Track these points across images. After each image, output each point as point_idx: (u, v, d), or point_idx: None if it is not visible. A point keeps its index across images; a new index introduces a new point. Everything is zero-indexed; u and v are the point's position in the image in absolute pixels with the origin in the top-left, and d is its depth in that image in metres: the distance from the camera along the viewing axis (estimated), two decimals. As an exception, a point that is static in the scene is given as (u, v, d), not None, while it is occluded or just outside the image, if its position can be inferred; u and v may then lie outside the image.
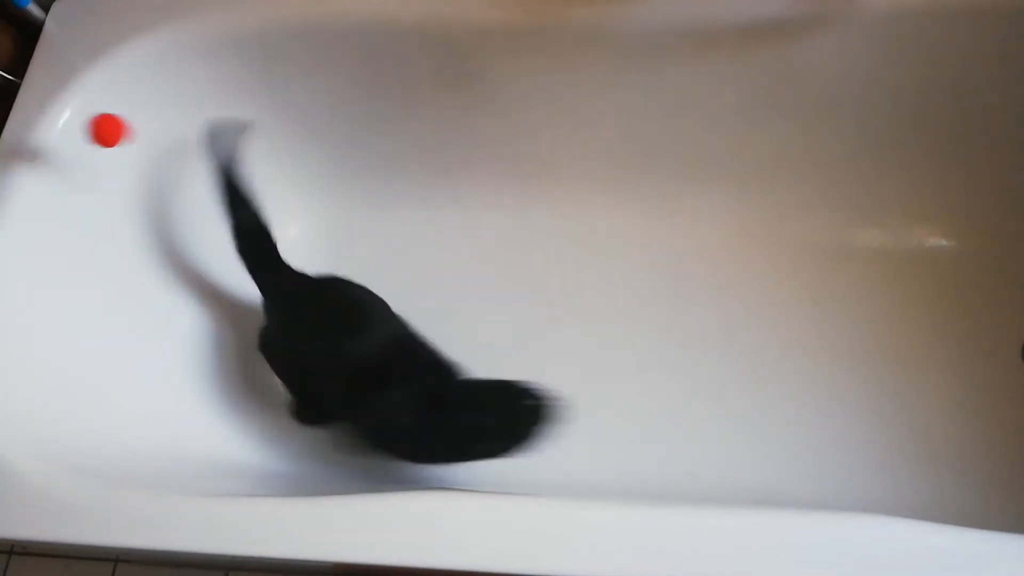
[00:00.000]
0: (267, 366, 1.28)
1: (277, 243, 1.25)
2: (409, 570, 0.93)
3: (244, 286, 1.33)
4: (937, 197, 1.45)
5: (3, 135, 1.21)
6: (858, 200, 1.47)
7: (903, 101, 1.31)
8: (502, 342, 1.43)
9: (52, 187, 1.21)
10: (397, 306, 1.43)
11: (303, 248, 1.47)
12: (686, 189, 1.50)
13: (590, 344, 1.44)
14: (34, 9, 1.32)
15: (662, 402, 1.37)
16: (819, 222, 1.49)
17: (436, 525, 0.93)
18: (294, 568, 0.97)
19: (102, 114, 1.12)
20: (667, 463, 1.32)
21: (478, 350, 1.36)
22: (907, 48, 1.22)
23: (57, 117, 1.22)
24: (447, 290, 1.50)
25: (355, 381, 1.14)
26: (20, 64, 1.29)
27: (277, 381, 1.30)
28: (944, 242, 1.46)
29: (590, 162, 1.48)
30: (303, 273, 1.25)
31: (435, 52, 1.28)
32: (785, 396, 1.36)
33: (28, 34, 1.32)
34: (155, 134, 1.34)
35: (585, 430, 1.33)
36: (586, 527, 0.92)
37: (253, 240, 1.24)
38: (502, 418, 1.10)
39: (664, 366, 1.41)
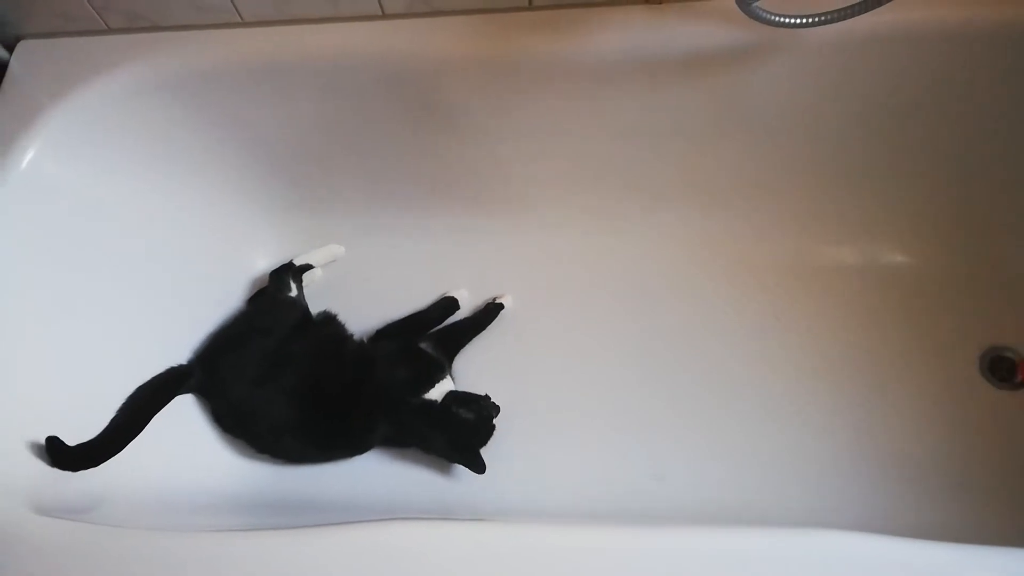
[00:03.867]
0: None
1: None
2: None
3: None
4: (893, 215, 1.48)
5: (-33, 175, 1.21)
6: (817, 219, 1.51)
7: (852, 123, 1.35)
8: (471, 364, 1.45)
9: (23, 225, 1.21)
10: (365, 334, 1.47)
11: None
12: (649, 211, 1.53)
13: (559, 362, 1.46)
14: (-2, 49, 1.33)
15: (629, 415, 1.40)
16: (780, 241, 1.52)
17: (413, 555, 0.93)
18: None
19: None
20: (633, 470, 1.34)
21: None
22: (852, 74, 1.26)
23: (21, 156, 1.23)
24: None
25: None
26: (-16, 104, 1.29)
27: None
28: (901, 258, 1.50)
29: (555, 187, 1.51)
30: None
31: (397, 85, 1.30)
32: (748, 410, 1.38)
33: (-8, 74, 1.33)
34: (121, 170, 1.35)
35: (553, 441, 1.38)
36: (551, 550, 0.93)
37: None
38: None
39: (632, 381, 1.43)
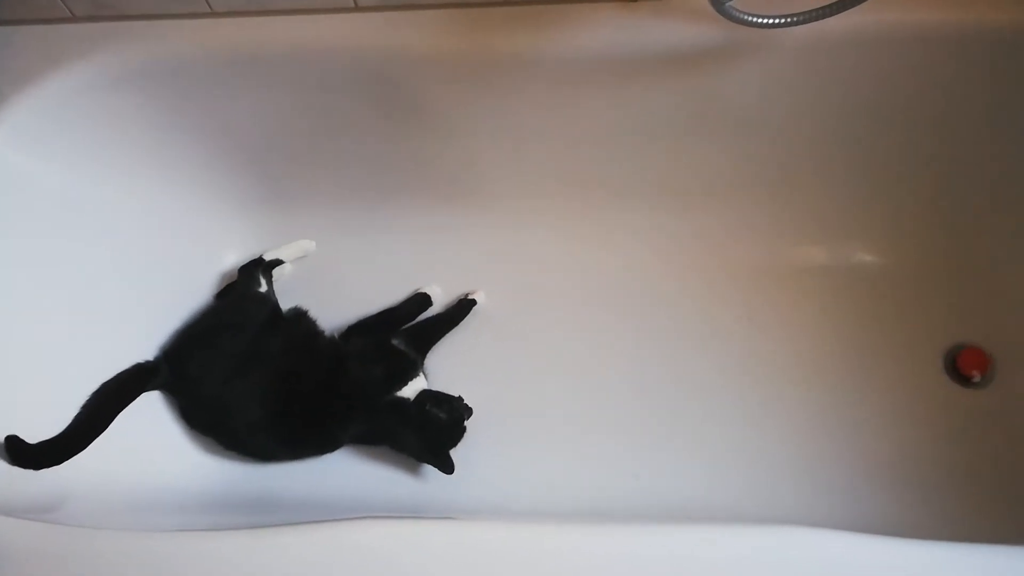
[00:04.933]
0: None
1: None
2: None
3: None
4: (864, 215, 1.50)
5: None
6: (787, 220, 1.52)
7: (825, 124, 1.36)
8: (444, 361, 1.45)
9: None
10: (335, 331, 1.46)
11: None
12: (622, 211, 1.53)
13: (532, 360, 1.47)
14: (-41, 37, 1.29)
15: (602, 413, 1.40)
16: (753, 241, 1.53)
17: (384, 553, 0.92)
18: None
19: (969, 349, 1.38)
20: (607, 468, 1.35)
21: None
22: (825, 74, 1.27)
23: (-19, 146, 1.20)
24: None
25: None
26: (-57, 93, 1.25)
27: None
28: (869, 258, 1.52)
29: (527, 185, 1.51)
30: None
31: (369, 80, 1.29)
32: (719, 409, 1.39)
33: (-48, 62, 1.29)
34: (85, 162, 1.32)
35: (526, 439, 1.38)
36: (523, 549, 0.93)
37: None
38: None
39: (604, 380, 1.44)
